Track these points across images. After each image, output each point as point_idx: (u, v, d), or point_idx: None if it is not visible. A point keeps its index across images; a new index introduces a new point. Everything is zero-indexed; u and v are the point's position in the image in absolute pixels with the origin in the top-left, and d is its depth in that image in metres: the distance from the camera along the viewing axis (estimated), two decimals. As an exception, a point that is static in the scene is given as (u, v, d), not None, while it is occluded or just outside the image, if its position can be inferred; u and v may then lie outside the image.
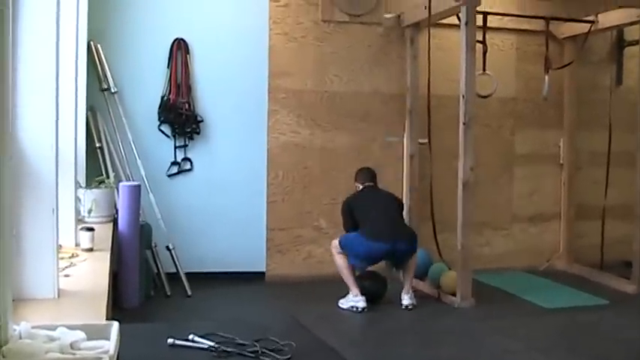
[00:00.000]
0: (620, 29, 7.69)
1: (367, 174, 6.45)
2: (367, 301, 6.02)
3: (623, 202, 7.32)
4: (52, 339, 2.25)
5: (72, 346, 2.21)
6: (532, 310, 6.18)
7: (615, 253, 7.28)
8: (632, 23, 6.96)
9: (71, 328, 2.30)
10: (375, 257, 6.12)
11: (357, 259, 6.09)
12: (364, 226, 6.10)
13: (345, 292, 6.15)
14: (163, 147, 6.86)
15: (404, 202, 6.83)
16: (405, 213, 6.61)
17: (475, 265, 6.37)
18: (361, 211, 6.19)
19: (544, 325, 5.82)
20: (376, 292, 6.27)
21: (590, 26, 7.28)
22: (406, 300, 6.11)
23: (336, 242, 6.24)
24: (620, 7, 6.98)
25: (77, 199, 4.84)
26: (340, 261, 6.16)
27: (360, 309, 6.01)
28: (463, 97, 6.21)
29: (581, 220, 7.89)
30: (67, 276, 3.48)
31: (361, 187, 6.39)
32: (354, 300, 6.06)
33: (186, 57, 6.87)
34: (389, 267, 6.62)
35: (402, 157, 7.34)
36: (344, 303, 6.12)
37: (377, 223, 6.07)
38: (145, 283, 6.13)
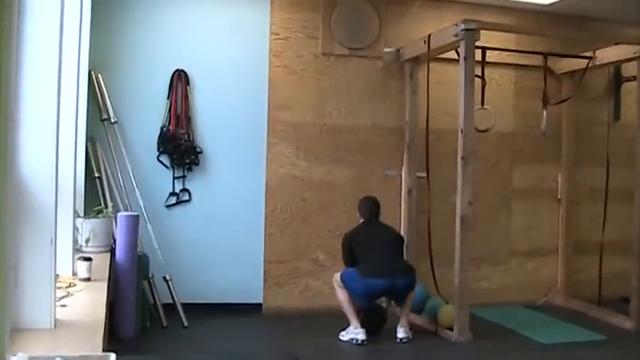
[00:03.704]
0: (617, 65, 7.74)
1: (370, 207, 6.40)
2: (366, 331, 5.99)
3: (620, 238, 7.32)
4: (49, 370, 2.24)
5: (69, 377, 2.20)
6: (529, 346, 6.15)
7: (613, 288, 7.26)
8: (629, 60, 7.00)
9: (68, 359, 2.29)
10: (375, 294, 6.11)
11: (357, 297, 6.08)
12: (362, 264, 6.08)
13: (343, 325, 6.13)
14: (162, 178, 6.86)
15: (402, 235, 6.79)
16: (403, 247, 6.59)
17: (472, 300, 6.34)
18: (361, 247, 6.17)
19: (541, 360, 5.81)
20: (374, 322, 6.26)
21: (588, 62, 7.34)
22: (401, 333, 6.09)
23: (337, 276, 6.24)
24: (617, 43, 7.04)
25: (75, 229, 4.83)
26: (341, 294, 6.16)
27: (360, 341, 5.99)
28: (461, 131, 6.23)
29: (578, 256, 7.89)
30: (63, 306, 3.46)
31: (362, 220, 6.37)
32: (354, 332, 6.05)
33: (186, 88, 6.90)
34: (388, 301, 6.60)
35: (401, 191, 7.35)
36: (344, 335, 6.11)
37: (376, 261, 6.05)
38: (141, 314, 6.10)
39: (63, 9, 3.05)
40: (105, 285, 4.32)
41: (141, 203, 6.62)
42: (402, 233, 7.01)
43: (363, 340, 5.99)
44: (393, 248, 6.25)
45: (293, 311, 7.04)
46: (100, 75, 6.59)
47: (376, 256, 6.09)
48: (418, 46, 7.01)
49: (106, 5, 6.54)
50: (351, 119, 7.32)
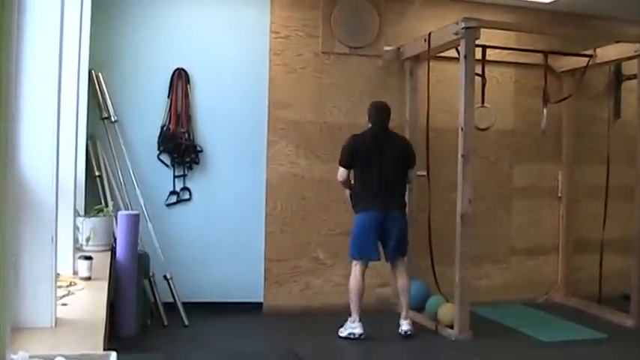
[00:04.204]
0: (618, 63, 7.75)
1: (378, 113, 6.33)
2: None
3: (621, 236, 7.32)
4: (49, 369, 2.24)
5: (69, 375, 2.21)
6: (529, 344, 6.16)
7: (613, 286, 7.26)
8: (629, 58, 7.00)
9: (69, 357, 2.29)
10: (373, 226, 6.13)
11: (360, 240, 6.16)
12: (361, 188, 6.21)
13: (343, 323, 6.14)
14: (162, 176, 6.87)
15: (410, 147, 6.51)
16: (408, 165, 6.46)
17: (473, 298, 6.35)
18: (362, 161, 6.20)
19: (541, 359, 5.81)
20: None
21: (589, 60, 7.34)
22: (405, 325, 6.12)
23: (350, 255, 6.30)
24: (618, 41, 7.04)
25: (76, 228, 4.84)
26: (354, 282, 6.17)
27: (357, 335, 6.03)
28: (462, 129, 6.23)
29: (579, 253, 7.89)
30: (64, 305, 3.46)
31: (370, 126, 6.33)
32: (351, 327, 6.08)
33: (186, 87, 6.90)
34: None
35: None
36: (342, 331, 6.14)
37: (372, 193, 6.14)
38: (142, 313, 6.11)
39: (63, 8, 3.05)
40: (105, 284, 4.33)
41: (141, 202, 6.62)
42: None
43: (360, 335, 6.03)
44: (395, 170, 6.23)
45: (293, 309, 7.05)
46: (100, 74, 6.59)
47: (374, 187, 6.15)
48: (418, 45, 7.01)
49: (106, 4, 6.54)
50: (351, 117, 7.31)
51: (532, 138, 7.78)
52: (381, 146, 6.21)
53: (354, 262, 6.22)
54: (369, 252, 6.19)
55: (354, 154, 6.23)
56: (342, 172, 6.32)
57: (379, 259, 6.29)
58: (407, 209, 6.45)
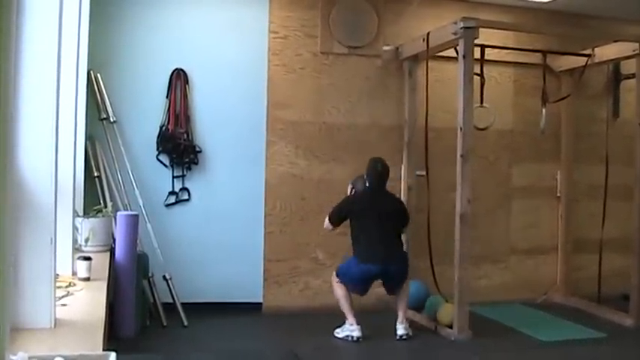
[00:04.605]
0: (616, 63, 7.75)
1: (377, 175, 6.30)
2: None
3: (620, 235, 7.33)
4: (49, 369, 2.24)
5: (69, 376, 2.20)
6: (529, 344, 6.16)
7: (613, 286, 7.26)
8: (628, 57, 7.00)
9: (68, 358, 2.29)
10: (368, 279, 6.13)
11: (351, 281, 6.12)
12: (358, 243, 6.15)
13: (341, 323, 6.14)
14: (161, 177, 6.86)
15: (405, 208, 6.59)
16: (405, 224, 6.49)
17: (472, 298, 6.35)
18: (359, 219, 6.18)
19: (541, 358, 5.82)
20: None
21: (587, 60, 7.34)
22: (401, 330, 6.11)
23: (334, 273, 6.26)
24: (616, 41, 7.04)
25: (75, 228, 4.83)
26: (339, 290, 6.18)
27: (355, 338, 6.02)
28: (461, 129, 6.23)
29: (578, 253, 7.90)
30: (63, 305, 3.47)
31: (367, 185, 6.32)
32: (349, 329, 6.07)
33: (185, 87, 6.89)
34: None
35: (400, 189, 7.34)
36: (340, 332, 6.14)
37: (371, 244, 6.09)
38: (141, 313, 6.10)
39: (62, 8, 3.05)
40: (105, 284, 4.32)
41: (140, 202, 6.62)
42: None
43: (358, 337, 6.02)
44: (393, 227, 6.24)
45: (293, 310, 7.04)
46: (99, 74, 6.59)
47: (372, 237, 6.11)
48: (417, 44, 7.00)
49: (104, 4, 6.54)
50: (350, 118, 7.31)
51: (531, 138, 7.78)
52: (378, 205, 6.22)
53: (337, 280, 6.24)
54: (356, 290, 6.21)
55: (346, 216, 6.27)
56: (327, 225, 6.37)
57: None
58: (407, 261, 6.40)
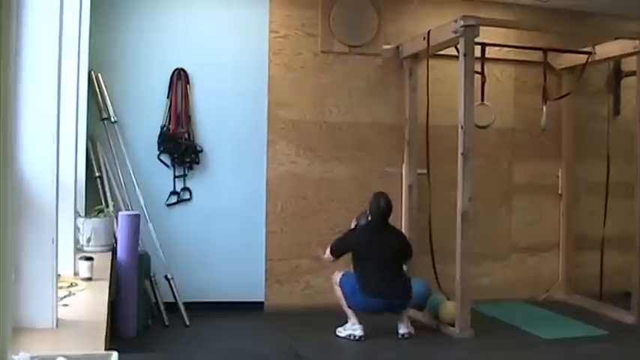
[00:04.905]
0: (617, 60, 7.74)
1: (380, 210, 6.24)
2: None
3: (621, 233, 7.32)
4: (51, 369, 2.24)
5: (71, 376, 2.21)
6: (531, 341, 6.16)
7: (614, 283, 7.27)
8: (629, 54, 7.00)
9: (70, 358, 2.29)
10: (371, 311, 6.10)
11: (354, 304, 6.10)
12: (362, 277, 6.07)
13: (343, 322, 6.14)
14: (163, 177, 6.86)
15: (409, 244, 6.50)
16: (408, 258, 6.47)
17: (474, 296, 6.35)
18: (363, 253, 6.16)
19: (543, 356, 5.81)
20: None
21: (588, 57, 7.34)
22: (402, 328, 6.11)
23: (337, 278, 6.22)
24: (617, 38, 7.04)
25: (76, 228, 4.84)
26: (340, 292, 6.16)
27: (357, 337, 6.02)
28: (461, 127, 6.23)
29: (580, 251, 7.89)
30: (65, 305, 3.47)
31: (370, 219, 6.30)
32: (351, 328, 6.07)
33: (186, 87, 6.90)
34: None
35: (401, 188, 7.35)
36: (342, 331, 6.13)
37: (375, 277, 6.03)
38: (143, 313, 6.11)
39: (62, 9, 3.06)
40: (106, 284, 4.33)
41: (142, 202, 6.62)
42: (402, 229, 7.00)
43: (360, 336, 6.02)
44: (396, 261, 6.21)
45: (295, 309, 7.04)
46: (99, 74, 6.59)
47: (375, 273, 6.05)
48: (417, 43, 7.01)
49: (105, 5, 6.54)
50: (350, 116, 7.32)
51: (532, 135, 7.78)
52: (381, 242, 6.18)
53: (336, 278, 6.23)
54: (359, 308, 6.16)
55: (347, 250, 6.25)
56: (328, 256, 6.33)
57: None
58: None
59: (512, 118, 7.80)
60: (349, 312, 6.11)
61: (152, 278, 6.46)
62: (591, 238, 7.56)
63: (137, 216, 6.04)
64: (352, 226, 6.43)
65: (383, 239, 6.21)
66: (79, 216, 5.25)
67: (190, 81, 6.93)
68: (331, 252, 6.31)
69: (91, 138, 6.49)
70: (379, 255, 6.11)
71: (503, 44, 7.41)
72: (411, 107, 7.31)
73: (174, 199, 6.90)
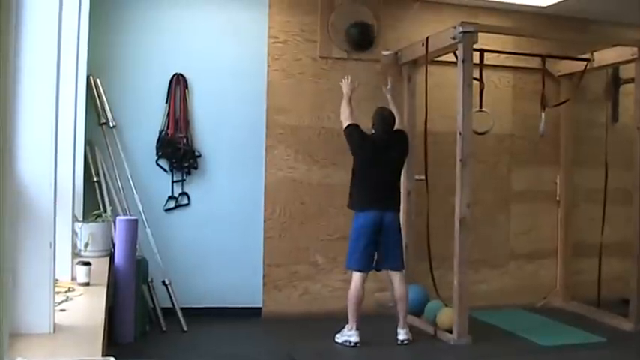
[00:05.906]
0: (615, 67, 7.75)
1: (384, 120, 6.34)
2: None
3: (619, 240, 7.32)
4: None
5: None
6: (529, 348, 6.15)
7: (612, 290, 7.27)
8: (627, 61, 7.02)
9: (67, 363, 2.29)
10: (369, 232, 6.10)
11: (357, 248, 6.14)
12: (358, 191, 6.23)
13: (340, 328, 6.14)
14: (161, 182, 6.86)
15: (407, 148, 6.52)
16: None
17: (472, 302, 6.34)
18: (363, 160, 6.25)
19: (541, 363, 5.81)
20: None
21: (586, 64, 7.35)
22: (402, 335, 6.10)
23: (346, 267, 6.34)
24: (615, 45, 7.05)
25: (74, 233, 4.83)
26: (354, 292, 6.13)
27: (353, 343, 6.02)
28: (460, 134, 6.23)
29: (577, 257, 7.89)
30: (62, 310, 3.46)
31: (374, 132, 6.36)
32: (348, 334, 6.07)
33: (184, 92, 6.90)
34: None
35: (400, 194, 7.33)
36: (339, 337, 6.13)
37: (371, 187, 6.17)
38: (140, 318, 6.10)
39: (61, 13, 3.05)
40: (104, 289, 4.32)
41: (140, 207, 6.62)
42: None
43: (356, 342, 6.02)
44: (392, 175, 6.29)
45: (292, 315, 7.04)
46: (98, 79, 6.59)
47: (373, 183, 6.17)
48: (416, 49, 7.01)
49: (104, 10, 6.54)
50: (349, 122, 7.31)
51: (530, 142, 7.79)
52: (384, 148, 6.23)
53: (355, 272, 6.21)
54: (366, 261, 6.18)
55: (355, 142, 6.30)
56: (346, 125, 6.39)
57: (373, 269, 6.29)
58: (401, 213, 6.42)
59: (510, 124, 7.81)
60: (352, 315, 6.09)
61: (150, 283, 6.46)
62: (589, 245, 7.56)
63: (135, 221, 6.04)
64: None
65: (387, 144, 6.27)
66: (77, 221, 5.25)
67: (189, 86, 6.93)
68: (347, 126, 6.36)
69: (89, 142, 6.49)
70: (381, 161, 6.20)
71: (502, 51, 7.42)
72: (409, 113, 7.30)
73: (172, 204, 6.89)
